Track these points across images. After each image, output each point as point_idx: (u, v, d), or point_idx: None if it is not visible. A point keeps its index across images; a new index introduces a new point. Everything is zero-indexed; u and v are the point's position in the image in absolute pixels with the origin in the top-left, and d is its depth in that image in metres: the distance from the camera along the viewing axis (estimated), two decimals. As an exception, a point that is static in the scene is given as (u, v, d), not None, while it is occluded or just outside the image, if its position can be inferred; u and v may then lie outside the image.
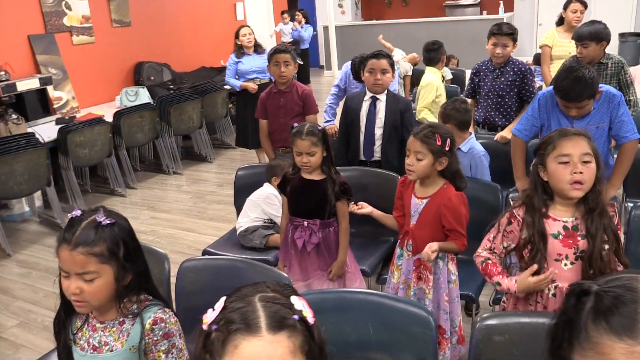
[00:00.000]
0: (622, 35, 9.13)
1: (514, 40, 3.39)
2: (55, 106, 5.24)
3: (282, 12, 9.12)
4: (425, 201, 2.13)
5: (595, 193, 1.65)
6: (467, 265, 2.29)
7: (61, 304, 1.35)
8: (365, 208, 2.22)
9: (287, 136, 3.47)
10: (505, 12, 10.37)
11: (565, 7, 4.35)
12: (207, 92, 5.90)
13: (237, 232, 2.98)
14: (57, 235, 1.29)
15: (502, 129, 3.39)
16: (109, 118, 4.96)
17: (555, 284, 1.69)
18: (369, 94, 3.03)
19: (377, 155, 3.02)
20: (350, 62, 4.00)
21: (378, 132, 2.98)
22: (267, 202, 2.97)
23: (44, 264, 3.85)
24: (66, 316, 1.35)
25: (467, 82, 3.78)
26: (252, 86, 5.00)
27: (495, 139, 3.24)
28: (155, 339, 1.32)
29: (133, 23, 6.19)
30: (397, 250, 2.27)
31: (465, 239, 2.10)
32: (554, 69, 4.34)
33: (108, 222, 1.28)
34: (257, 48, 5.09)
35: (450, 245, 2.08)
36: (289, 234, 2.42)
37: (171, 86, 6.19)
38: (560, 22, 4.46)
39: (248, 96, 5.06)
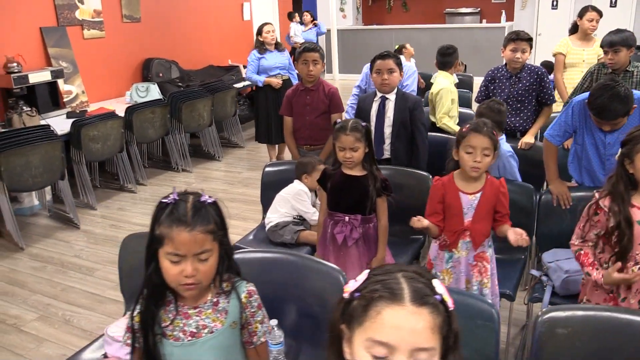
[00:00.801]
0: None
1: (531, 47, 3.43)
2: (64, 100, 5.19)
3: (290, 14, 9.10)
4: (478, 195, 2.14)
5: None
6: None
7: (150, 297, 1.31)
8: (424, 222, 2.15)
9: (311, 134, 3.50)
10: (506, 21, 10.49)
11: (581, 16, 4.39)
12: (218, 91, 5.89)
13: (267, 228, 2.96)
14: (157, 223, 1.26)
15: (522, 134, 3.42)
16: (120, 113, 4.91)
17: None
18: (379, 94, 3.05)
19: (387, 153, 3.05)
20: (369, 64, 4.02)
21: (387, 130, 3.01)
22: (297, 199, 2.97)
23: (58, 257, 3.80)
24: (156, 309, 1.32)
25: (478, 88, 3.78)
26: (277, 81, 5.01)
27: (519, 146, 3.24)
28: (252, 310, 1.35)
29: (143, 19, 6.15)
30: (442, 255, 2.26)
31: None
32: (567, 76, 4.41)
33: (210, 201, 1.28)
34: (278, 45, 5.11)
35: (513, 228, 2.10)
36: (329, 229, 2.42)
37: (179, 83, 6.16)
38: (574, 30, 4.52)
39: (271, 92, 5.07)
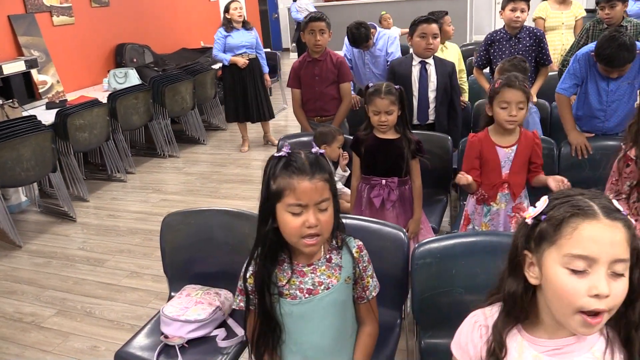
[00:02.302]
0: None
1: (529, 6, 3.51)
2: (40, 91, 4.94)
3: None
4: (514, 148, 2.20)
5: None
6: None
7: (266, 256, 1.29)
8: (468, 177, 2.19)
9: (322, 105, 3.48)
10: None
11: None
12: (197, 73, 5.74)
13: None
14: (273, 177, 1.24)
15: None
16: (102, 101, 4.73)
17: None
18: (417, 59, 3.06)
19: (432, 117, 3.07)
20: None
21: (431, 95, 3.03)
22: None
23: (61, 252, 3.66)
24: (272, 268, 1.30)
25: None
26: (243, 60, 4.96)
27: None
28: (364, 265, 1.35)
29: (112, 3, 5.90)
30: (480, 209, 2.31)
31: None
32: (548, 39, 4.51)
33: (321, 152, 1.26)
34: (245, 24, 5.03)
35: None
36: (364, 193, 2.43)
37: (155, 68, 5.96)
38: (552, -7, 4.64)
39: (237, 70, 5.03)
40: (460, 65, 3.84)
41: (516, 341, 0.98)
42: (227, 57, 5.02)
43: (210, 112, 6.38)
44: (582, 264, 0.85)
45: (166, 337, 1.92)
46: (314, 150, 1.28)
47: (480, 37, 3.72)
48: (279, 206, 1.23)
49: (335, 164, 3.03)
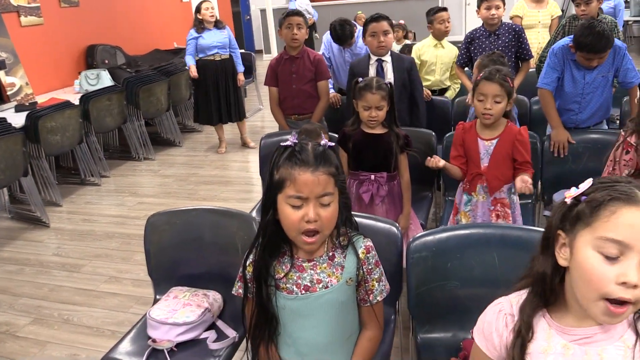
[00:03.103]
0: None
1: (504, 3, 3.55)
2: (8, 93, 4.77)
3: None
4: (494, 141, 2.20)
5: None
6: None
7: (265, 247, 1.25)
8: (440, 162, 2.21)
9: (299, 103, 3.44)
10: (439, -9, 10.73)
11: None
12: (172, 74, 5.64)
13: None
14: (276, 167, 1.21)
15: None
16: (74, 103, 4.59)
17: None
18: (374, 58, 3.04)
19: None
20: (328, 31, 4.01)
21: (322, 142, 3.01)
22: None
23: (35, 258, 3.52)
24: (270, 259, 1.25)
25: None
26: (193, 72, 4.96)
27: None
28: (369, 267, 1.30)
29: (82, 3, 5.75)
30: (464, 198, 2.32)
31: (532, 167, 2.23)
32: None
33: (330, 145, 1.22)
34: (218, 23, 4.97)
35: (527, 176, 2.16)
36: (353, 189, 2.40)
37: (127, 69, 5.83)
38: (528, -8, 4.72)
39: (209, 72, 5.00)
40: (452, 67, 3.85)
41: (544, 329, 0.96)
42: (189, 62, 4.99)
43: (185, 113, 6.27)
44: (615, 250, 0.83)
45: (154, 341, 1.85)
46: (322, 142, 1.24)
47: (453, 37, 3.74)
48: (280, 197, 1.19)
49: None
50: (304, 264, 1.26)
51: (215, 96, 5.08)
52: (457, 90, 3.91)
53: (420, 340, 1.77)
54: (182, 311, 1.91)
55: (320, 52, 4.19)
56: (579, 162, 2.69)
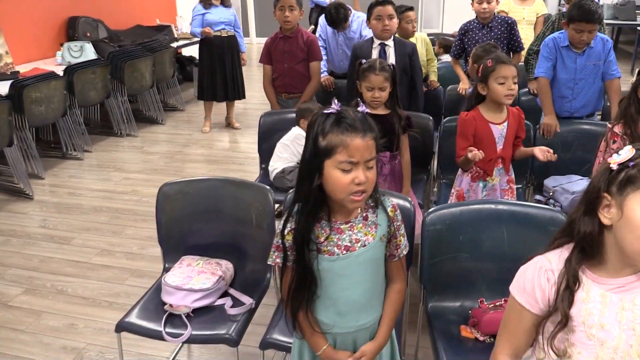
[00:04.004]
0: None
1: None
2: (-13, 61, 4.62)
3: None
4: (505, 124, 2.30)
5: None
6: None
7: (309, 212, 1.29)
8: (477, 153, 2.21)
9: (290, 81, 3.50)
10: (418, -17, 10.84)
11: None
12: (156, 50, 5.56)
13: (272, 175, 2.93)
14: (322, 134, 1.23)
15: None
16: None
17: None
18: (377, 41, 3.11)
19: None
20: (323, 14, 4.06)
21: (360, 108, 3.08)
22: (296, 142, 2.95)
23: (21, 230, 3.46)
24: (313, 223, 1.30)
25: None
26: (209, 30, 4.86)
27: None
28: (398, 224, 1.38)
29: (64, -28, 5.59)
30: (479, 185, 2.40)
31: None
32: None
33: (367, 111, 1.28)
34: (225, 1, 4.94)
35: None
36: (356, 168, 2.46)
37: (110, 44, 5.71)
38: (515, -11, 4.86)
39: (215, 48, 4.97)
40: (429, 55, 3.93)
41: (583, 281, 1.06)
42: (199, 30, 4.90)
43: (167, 91, 6.20)
44: None
45: (171, 306, 1.88)
46: (360, 109, 1.29)
47: (429, 30, 3.81)
48: (327, 162, 1.23)
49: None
50: (341, 226, 1.32)
51: (221, 72, 5.05)
52: (436, 73, 3.97)
53: (431, 309, 1.86)
54: (197, 278, 1.95)
55: (317, 35, 4.24)
56: (567, 150, 2.83)
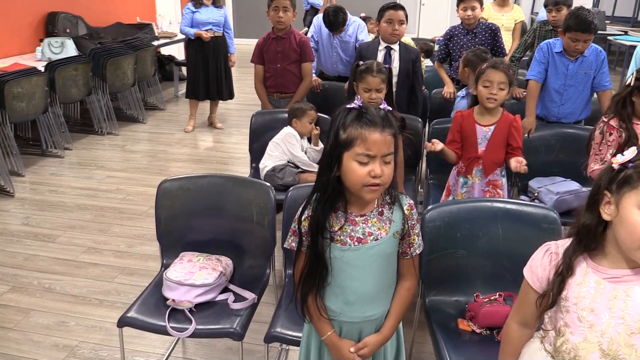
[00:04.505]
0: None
1: (481, 3, 3.78)
2: (-36, 55, 4.52)
3: None
4: (492, 127, 2.38)
5: None
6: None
7: (326, 201, 1.33)
8: (438, 145, 2.37)
9: (282, 82, 3.53)
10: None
11: None
12: (138, 48, 5.51)
13: (263, 173, 2.96)
14: (343, 127, 1.28)
15: None
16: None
17: None
18: (383, 44, 3.18)
19: None
20: (320, 15, 4.11)
21: (393, 80, 3.16)
22: (286, 141, 2.99)
23: (3, 227, 3.40)
24: (329, 212, 1.34)
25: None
26: (206, 34, 4.88)
27: None
28: (412, 223, 1.41)
29: (43, -33, 5.50)
30: (459, 180, 2.49)
31: None
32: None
33: (389, 109, 1.33)
34: (216, 1, 4.94)
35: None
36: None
37: (91, 40, 5.63)
38: (494, -3, 5.02)
39: (201, 48, 4.96)
40: None
41: (582, 268, 1.14)
42: (192, 31, 4.90)
43: (148, 90, 6.15)
44: None
45: (173, 301, 1.89)
46: (382, 106, 1.34)
47: (408, 35, 3.91)
48: (346, 154, 1.28)
49: (310, 141, 3.10)
50: (356, 218, 1.37)
51: (204, 72, 5.05)
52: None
53: (429, 302, 1.92)
54: (199, 273, 1.96)
55: (310, 34, 4.28)
56: (550, 153, 2.94)
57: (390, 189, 1.38)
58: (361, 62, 2.47)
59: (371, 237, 1.36)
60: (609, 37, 7.78)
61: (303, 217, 1.38)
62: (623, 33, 8.06)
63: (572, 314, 1.14)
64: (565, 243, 1.17)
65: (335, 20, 3.83)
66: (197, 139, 5.19)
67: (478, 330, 1.81)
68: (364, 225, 1.36)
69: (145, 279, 2.77)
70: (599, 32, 3.22)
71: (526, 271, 1.23)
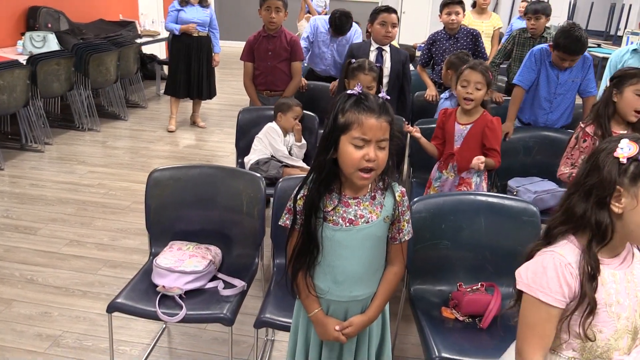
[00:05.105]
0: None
1: (463, 9, 3.89)
2: (-58, 46, 4.44)
3: None
4: (468, 126, 2.47)
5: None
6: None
7: (322, 181, 1.38)
8: (418, 133, 2.47)
9: (272, 79, 3.58)
10: (378, -4, 11.17)
11: None
12: (121, 45, 5.49)
13: (247, 167, 2.99)
14: (342, 111, 1.33)
15: None
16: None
17: None
18: (374, 45, 3.26)
19: None
20: (316, 18, 4.17)
21: (384, 80, 3.23)
22: (268, 134, 3.04)
23: (-17, 219, 3.36)
24: (324, 192, 1.39)
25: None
26: (193, 27, 4.89)
27: None
28: (403, 209, 1.47)
29: (25, -40, 5.44)
30: (435, 174, 2.58)
31: (500, 157, 2.49)
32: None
33: (386, 97, 1.38)
34: (202, 1, 4.95)
35: (490, 161, 2.44)
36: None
37: (73, 36, 5.59)
38: (474, 5, 5.16)
39: (184, 46, 4.97)
40: None
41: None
42: (177, 27, 4.91)
43: (130, 88, 6.12)
44: None
45: (163, 287, 1.91)
46: (381, 94, 1.40)
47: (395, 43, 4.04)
48: (343, 138, 1.33)
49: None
50: (349, 200, 1.42)
51: (186, 71, 5.05)
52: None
53: (413, 291, 1.98)
54: (189, 261, 1.99)
55: (304, 36, 4.33)
56: (528, 155, 3.05)
57: (383, 175, 1.44)
58: (353, 60, 2.54)
59: (362, 220, 1.42)
60: (582, 49, 8.03)
61: (299, 196, 1.43)
62: (596, 46, 8.33)
63: (601, 314, 1.13)
64: (565, 252, 1.15)
65: (341, 24, 3.91)
66: (179, 137, 5.19)
67: (461, 318, 1.88)
68: (357, 207, 1.42)
69: (130, 271, 2.77)
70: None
71: (543, 295, 1.13)
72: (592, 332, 1.13)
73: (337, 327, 1.47)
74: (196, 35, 4.95)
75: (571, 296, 1.12)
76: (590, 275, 1.11)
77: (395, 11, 3.23)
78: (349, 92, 1.37)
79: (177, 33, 4.94)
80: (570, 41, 2.84)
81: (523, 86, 3.14)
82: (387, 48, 3.25)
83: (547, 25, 3.88)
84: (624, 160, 1.09)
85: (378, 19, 3.20)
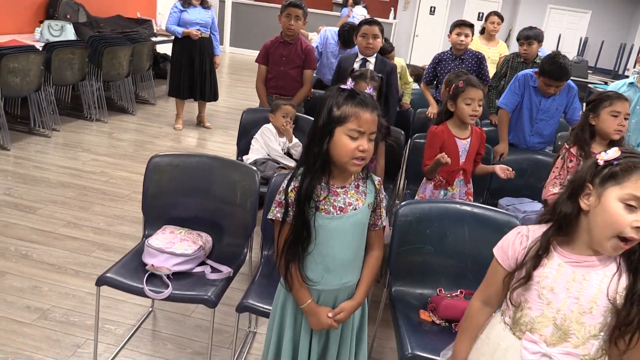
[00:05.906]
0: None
1: (473, 32, 4.00)
2: (-37, 27, 4.57)
3: None
4: (469, 140, 2.55)
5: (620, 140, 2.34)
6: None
7: (315, 172, 1.45)
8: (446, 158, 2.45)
9: (283, 84, 3.68)
10: (394, 18, 11.36)
11: (486, 19, 5.17)
12: (137, 41, 5.62)
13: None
14: (337, 105, 1.41)
15: None
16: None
17: None
18: (360, 56, 3.35)
19: None
20: (326, 29, 4.28)
21: (367, 91, 3.32)
22: (263, 134, 3.14)
23: (-16, 195, 3.43)
24: (317, 182, 1.46)
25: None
26: (195, 32, 4.98)
27: None
28: (382, 196, 1.56)
29: (51, -48, 5.60)
30: (441, 193, 2.62)
31: None
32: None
33: (373, 94, 1.46)
34: (204, 2, 5.06)
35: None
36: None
37: (90, 28, 5.73)
38: (482, 32, 5.28)
39: (187, 47, 5.06)
40: (405, 79, 4.21)
41: (550, 249, 1.26)
42: (180, 30, 5.00)
43: (140, 84, 6.23)
44: (635, 203, 1.14)
45: (152, 266, 1.97)
46: (367, 91, 1.49)
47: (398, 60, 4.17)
48: (338, 129, 1.41)
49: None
50: (337, 190, 1.50)
51: (189, 72, 5.14)
52: (410, 93, 4.25)
53: (394, 292, 2.04)
54: (179, 244, 2.05)
55: (315, 44, 4.44)
56: (521, 177, 3.11)
57: (364, 166, 1.51)
58: (356, 67, 2.62)
59: (350, 207, 1.49)
60: (589, 85, 8.15)
61: (290, 189, 1.49)
62: (603, 83, 8.44)
63: (533, 291, 1.25)
64: (535, 228, 1.29)
65: (350, 37, 4.02)
66: (183, 135, 5.28)
67: (437, 321, 1.93)
68: (344, 196, 1.49)
69: (122, 255, 2.82)
70: (581, 79, 3.42)
71: (497, 250, 1.33)
72: (521, 305, 1.27)
73: (329, 314, 1.54)
74: (200, 36, 5.05)
75: (513, 261, 1.29)
76: (536, 252, 1.24)
77: (377, 23, 3.30)
78: (341, 86, 1.45)
79: (179, 36, 5.02)
80: (555, 67, 2.97)
81: (506, 109, 3.25)
82: (371, 59, 3.33)
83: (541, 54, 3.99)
84: (601, 162, 1.18)
85: (360, 31, 3.29)
